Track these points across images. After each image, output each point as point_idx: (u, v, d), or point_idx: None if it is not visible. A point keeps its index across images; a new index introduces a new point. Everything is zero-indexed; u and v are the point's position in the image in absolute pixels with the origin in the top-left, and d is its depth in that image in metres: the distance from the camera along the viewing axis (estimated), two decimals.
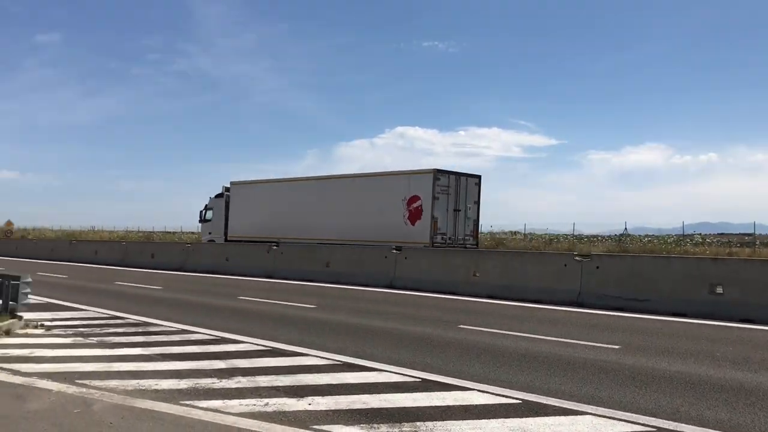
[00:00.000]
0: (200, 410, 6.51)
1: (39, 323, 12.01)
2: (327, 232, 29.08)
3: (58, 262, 33.29)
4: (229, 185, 35.69)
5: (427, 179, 26.04)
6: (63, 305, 15.11)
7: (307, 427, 5.96)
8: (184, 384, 7.60)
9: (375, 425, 6.01)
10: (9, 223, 59.46)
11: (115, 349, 9.75)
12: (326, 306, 15.13)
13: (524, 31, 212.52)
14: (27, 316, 12.25)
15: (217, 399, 6.93)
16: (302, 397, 7.03)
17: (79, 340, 10.60)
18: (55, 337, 10.84)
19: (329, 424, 6.08)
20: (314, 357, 9.21)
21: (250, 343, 10.27)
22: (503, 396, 7.09)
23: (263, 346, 10.06)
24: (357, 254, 22.52)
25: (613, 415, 6.31)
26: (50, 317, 12.91)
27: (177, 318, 12.98)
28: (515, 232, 45.31)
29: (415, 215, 26.33)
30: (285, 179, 34.11)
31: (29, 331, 11.41)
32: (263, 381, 7.75)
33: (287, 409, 6.54)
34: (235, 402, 6.82)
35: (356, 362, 8.87)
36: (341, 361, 8.93)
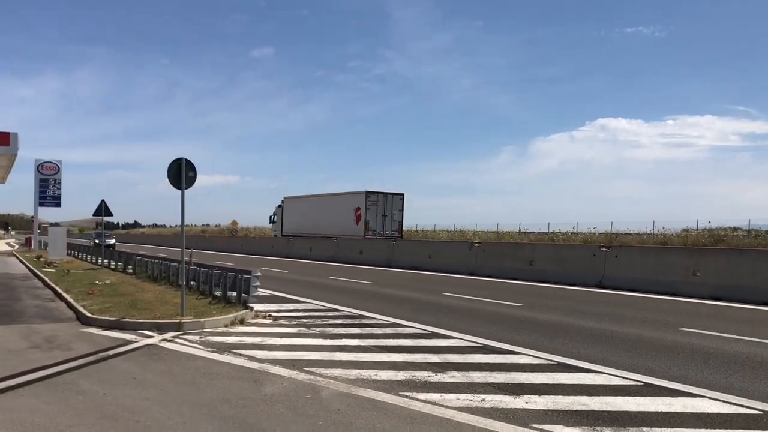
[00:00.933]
0: (419, 402, 6.73)
1: (267, 314, 13.12)
2: (318, 229, 44.22)
3: (278, 258, 36.16)
4: (283, 199, 52.56)
5: (362, 197, 40.13)
6: (286, 297, 16.37)
7: (526, 425, 5.92)
8: (401, 376, 7.90)
9: (598, 428, 5.83)
10: (234, 222, 65.56)
11: (335, 340, 10.37)
12: (533, 304, 14.91)
13: (741, 8, 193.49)
14: (257, 307, 13.46)
15: (434, 392, 7.12)
16: (518, 395, 7.00)
17: (303, 330, 11.41)
18: (282, 327, 11.75)
19: (549, 423, 5.99)
20: (526, 356, 9.12)
21: (460, 339, 10.41)
22: (739, 405, 6.53)
23: (474, 342, 10.15)
24: (562, 252, 21.95)
25: None
26: (276, 308, 14.05)
27: (388, 312, 13.51)
28: (736, 228, 41.39)
29: (357, 219, 40.45)
30: (303, 196, 50.17)
31: (259, 320, 12.50)
32: (477, 377, 7.82)
33: (504, 407, 6.55)
34: (452, 396, 6.96)
35: (570, 362, 8.65)
36: (555, 361, 8.75)
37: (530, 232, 46.82)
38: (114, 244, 55.29)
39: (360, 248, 32.70)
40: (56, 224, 55.07)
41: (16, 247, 58.82)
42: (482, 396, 6.96)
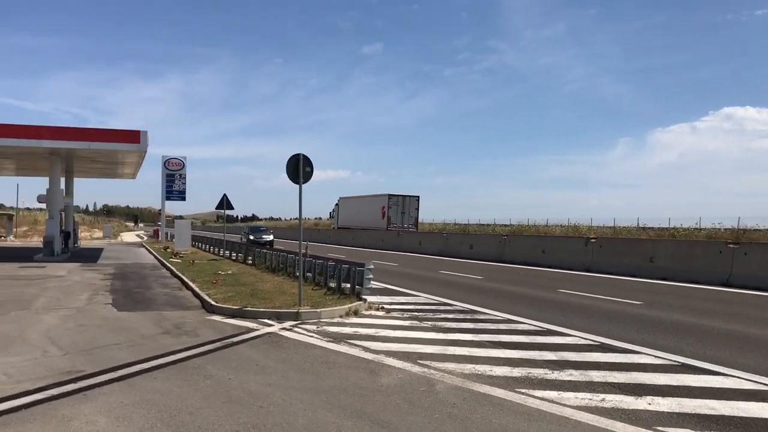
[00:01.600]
0: (536, 399, 6.64)
1: (380, 306, 13.33)
2: (359, 223, 54.34)
3: (387, 251, 36.59)
4: (339, 199, 62.72)
5: (385, 198, 50.22)
6: (397, 290, 16.55)
7: (650, 428, 5.72)
8: (517, 372, 7.82)
9: None
10: None
11: (448, 334, 10.39)
12: (653, 303, 14.30)
13: None
14: (370, 299, 13.70)
15: (551, 390, 7.00)
16: (640, 395, 6.76)
17: (415, 323, 11.50)
18: (394, 319, 11.90)
19: (675, 426, 5.76)
20: (648, 355, 8.78)
21: (577, 337, 10.16)
22: None
23: (591, 340, 9.88)
24: (685, 248, 20.86)
25: None
26: (388, 301, 14.24)
27: (500, 307, 13.37)
28: None
29: (383, 215, 49.95)
30: (350, 197, 60.21)
31: (372, 312, 12.72)
32: (596, 376, 7.62)
33: (626, 407, 6.35)
34: (570, 395, 6.82)
35: (696, 364, 8.26)
36: (678, 362, 8.38)
37: (649, 228, 44.85)
38: (272, 241, 45.02)
39: (470, 242, 32.49)
40: (180, 217, 58.13)
41: (145, 238, 62.73)
42: (602, 395, 6.78)
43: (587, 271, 22.63)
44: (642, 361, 8.44)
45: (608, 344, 9.57)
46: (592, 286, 17.69)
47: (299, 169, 12.62)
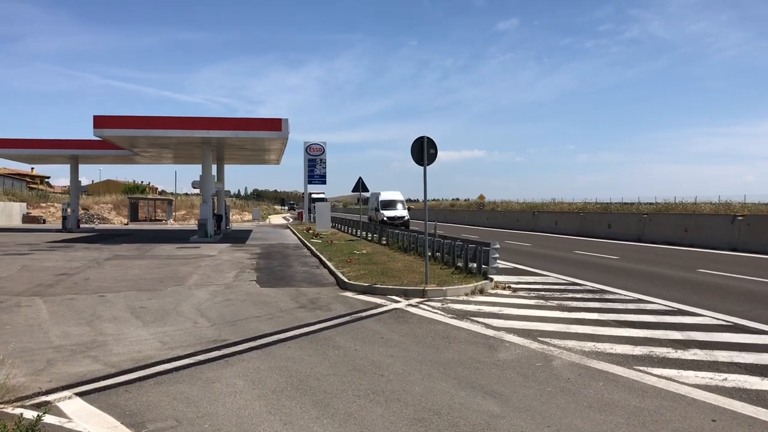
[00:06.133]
0: (653, 377, 6.63)
1: (506, 285, 13.47)
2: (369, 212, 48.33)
3: (522, 232, 36.28)
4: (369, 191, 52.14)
5: (377, 195, 45.40)
6: (527, 270, 16.56)
7: None
8: (638, 351, 7.77)
9: None
10: (481, 196, 66.58)
11: (573, 313, 10.39)
12: None
13: None
14: (496, 278, 13.87)
15: (671, 368, 6.94)
16: (767, 376, 6.55)
17: (541, 302, 11.56)
18: (520, 299, 12.02)
19: None
20: None
21: (709, 317, 9.83)
22: None
23: (724, 321, 9.53)
24: None
25: None
26: (516, 280, 14.33)
27: (632, 287, 13.08)
28: None
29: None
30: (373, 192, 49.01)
31: (498, 291, 12.88)
32: (722, 356, 7.43)
33: (748, 387, 6.21)
34: (690, 373, 6.74)
35: None
36: None
37: None
38: (407, 220, 41.26)
39: (608, 221, 31.51)
40: (322, 200, 60.54)
41: (291, 220, 65.96)
42: (724, 375, 6.64)
43: (733, 251, 21.37)
44: None
45: (741, 324, 9.21)
46: (735, 266, 16.76)
47: (424, 151, 12.98)
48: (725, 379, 6.49)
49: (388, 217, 40.37)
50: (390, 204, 43.12)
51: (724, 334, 8.66)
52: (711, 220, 25.34)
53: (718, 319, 9.68)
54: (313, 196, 60.81)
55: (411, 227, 34.03)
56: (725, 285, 13.38)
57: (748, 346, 7.93)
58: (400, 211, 42.08)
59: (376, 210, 43.30)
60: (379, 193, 45.40)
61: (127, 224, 53.89)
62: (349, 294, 12.70)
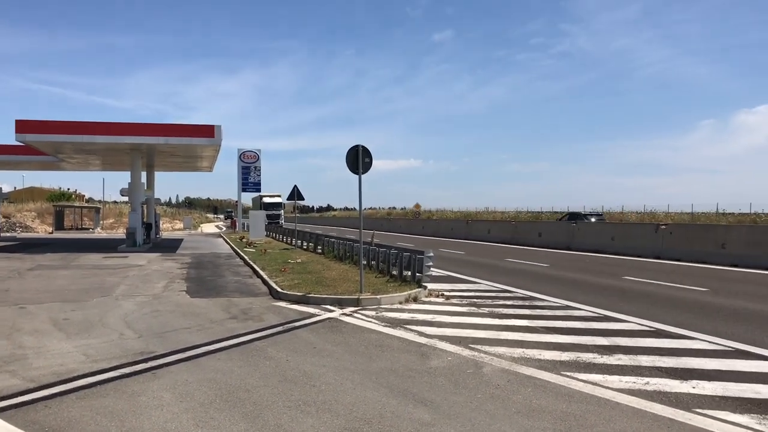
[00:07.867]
0: (580, 382, 6.79)
1: (440, 293, 13.60)
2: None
3: (456, 240, 36.74)
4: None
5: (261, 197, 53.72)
6: (460, 278, 16.76)
7: (689, 410, 5.80)
8: (565, 356, 7.96)
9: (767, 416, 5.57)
10: (417, 205, 67.25)
11: (504, 320, 10.57)
12: (719, 290, 14.00)
13: None
14: (430, 286, 13.99)
15: (597, 373, 7.13)
16: (686, 379, 6.82)
17: (473, 309, 11.71)
18: (453, 306, 12.15)
19: (714, 409, 5.82)
20: (702, 341, 8.75)
21: (633, 323, 10.16)
22: None
23: (647, 326, 9.87)
24: (758, 234, 20.14)
25: None
26: (449, 288, 14.48)
27: (562, 294, 13.41)
28: None
29: None
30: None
31: (432, 299, 13.00)
32: (645, 360, 7.68)
33: (668, 390, 6.43)
34: (614, 378, 6.94)
35: (751, 350, 8.20)
36: (733, 348, 8.33)
37: (729, 213, 43.31)
38: (279, 217, 57.67)
39: (538, 230, 32.24)
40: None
41: (223, 228, 64.92)
42: (647, 379, 6.86)
43: (657, 259, 22.19)
44: (695, 347, 8.42)
45: (664, 330, 9.55)
46: (659, 273, 17.40)
47: (359, 159, 13.00)
48: (647, 383, 6.70)
49: (267, 215, 48.08)
50: (271, 206, 54.54)
51: (647, 339, 8.96)
52: (636, 229, 26.28)
53: (643, 325, 10.01)
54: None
55: (346, 236, 34.07)
56: (649, 292, 13.86)
57: (669, 350, 8.22)
58: (279, 212, 55.74)
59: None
60: (262, 196, 57.65)
61: (52, 233, 51.93)
62: (282, 304, 12.56)
